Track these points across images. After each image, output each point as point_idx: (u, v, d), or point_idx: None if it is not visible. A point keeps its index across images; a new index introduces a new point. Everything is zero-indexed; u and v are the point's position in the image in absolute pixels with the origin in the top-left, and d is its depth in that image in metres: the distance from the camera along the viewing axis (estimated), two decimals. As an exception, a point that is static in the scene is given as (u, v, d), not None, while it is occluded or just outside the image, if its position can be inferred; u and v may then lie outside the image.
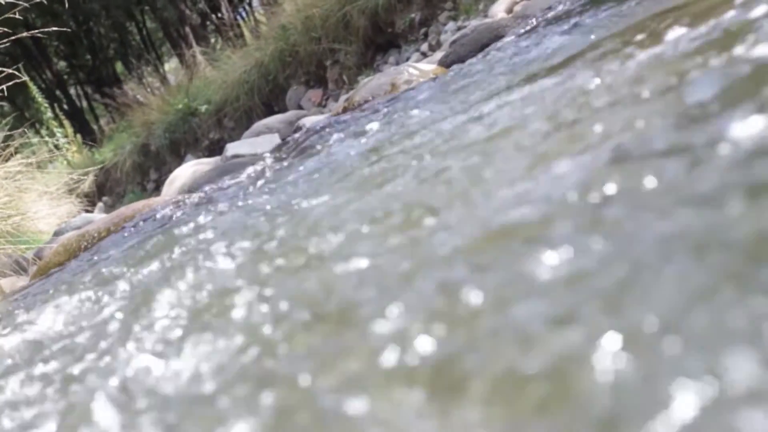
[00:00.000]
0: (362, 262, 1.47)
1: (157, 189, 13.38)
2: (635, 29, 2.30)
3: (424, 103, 2.90)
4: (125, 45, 23.47)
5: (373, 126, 2.78)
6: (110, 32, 23.48)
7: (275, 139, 7.55)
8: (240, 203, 2.70)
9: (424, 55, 9.79)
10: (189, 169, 8.34)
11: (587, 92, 1.80)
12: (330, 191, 2.14)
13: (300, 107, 11.53)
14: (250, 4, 20.53)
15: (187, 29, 17.86)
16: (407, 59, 10.18)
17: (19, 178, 8.15)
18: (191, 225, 2.63)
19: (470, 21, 9.43)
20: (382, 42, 10.90)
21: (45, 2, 8.63)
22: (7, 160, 8.48)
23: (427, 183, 1.75)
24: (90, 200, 15.91)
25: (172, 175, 8.65)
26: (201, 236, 2.35)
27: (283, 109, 11.72)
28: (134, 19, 23.11)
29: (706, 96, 1.40)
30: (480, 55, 3.36)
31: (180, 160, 13.90)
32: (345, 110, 4.03)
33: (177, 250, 2.22)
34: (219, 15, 18.65)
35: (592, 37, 2.42)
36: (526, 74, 2.28)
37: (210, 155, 12.50)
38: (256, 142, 7.62)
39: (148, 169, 15.34)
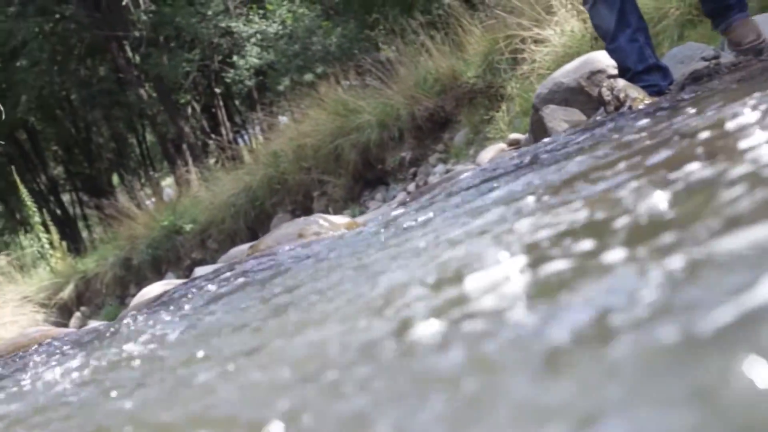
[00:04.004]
0: None
1: (136, 305, 13.11)
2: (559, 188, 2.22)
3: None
4: (123, 156, 23.56)
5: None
6: (109, 142, 23.60)
7: (247, 267, 7.37)
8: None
9: (410, 194, 9.73)
10: (158, 288, 8.18)
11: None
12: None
13: (283, 235, 11.42)
14: (253, 129, 20.68)
15: (185, 147, 17.93)
16: (393, 197, 10.12)
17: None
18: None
19: (459, 165, 9.39)
20: (371, 178, 10.88)
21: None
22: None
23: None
24: (68, 309, 15.58)
25: (140, 293, 8.48)
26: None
27: (267, 236, 11.61)
28: (135, 131, 23.27)
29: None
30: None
31: (161, 277, 13.70)
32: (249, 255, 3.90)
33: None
34: (217, 136, 18.76)
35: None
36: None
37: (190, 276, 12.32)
38: (227, 268, 7.46)
39: (129, 284, 15.10)
